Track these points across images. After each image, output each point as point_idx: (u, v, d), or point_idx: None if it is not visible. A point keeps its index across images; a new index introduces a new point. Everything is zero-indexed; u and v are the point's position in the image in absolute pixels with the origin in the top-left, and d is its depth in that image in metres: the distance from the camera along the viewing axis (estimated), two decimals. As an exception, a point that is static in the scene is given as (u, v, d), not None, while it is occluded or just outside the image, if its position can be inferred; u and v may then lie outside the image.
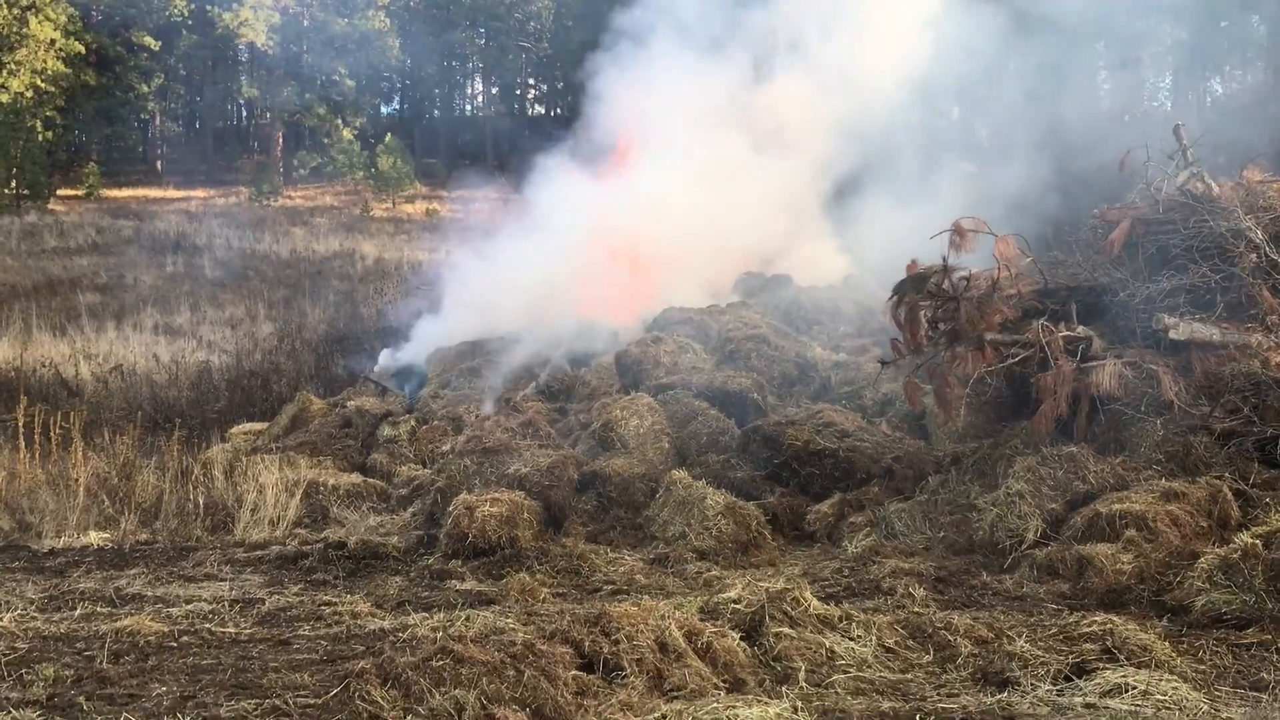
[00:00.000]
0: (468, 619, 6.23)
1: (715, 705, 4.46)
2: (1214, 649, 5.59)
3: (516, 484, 9.18)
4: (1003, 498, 8.27)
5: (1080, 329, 9.17)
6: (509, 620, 6.14)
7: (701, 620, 5.60)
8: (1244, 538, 6.29)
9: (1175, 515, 7.41)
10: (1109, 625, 5.69)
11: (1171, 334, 8.78)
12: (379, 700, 4.38)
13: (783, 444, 9.91)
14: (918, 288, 8.72)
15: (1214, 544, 6.94)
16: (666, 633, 5.22)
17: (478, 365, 14.98)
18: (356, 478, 11.24)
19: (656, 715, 4.42)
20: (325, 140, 52.37)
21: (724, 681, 5.08)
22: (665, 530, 8.79)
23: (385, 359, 18.41)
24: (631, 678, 4.91)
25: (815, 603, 5.95)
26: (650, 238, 19.68)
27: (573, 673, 4.75)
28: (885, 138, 24.07)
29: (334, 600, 7.09)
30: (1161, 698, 4.73)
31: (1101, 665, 5.20)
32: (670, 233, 19.45)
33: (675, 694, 4.82)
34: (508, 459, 9.63)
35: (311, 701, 4.74)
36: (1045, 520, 8.04)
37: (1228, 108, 29.49)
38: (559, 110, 59.49)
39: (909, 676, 5.34)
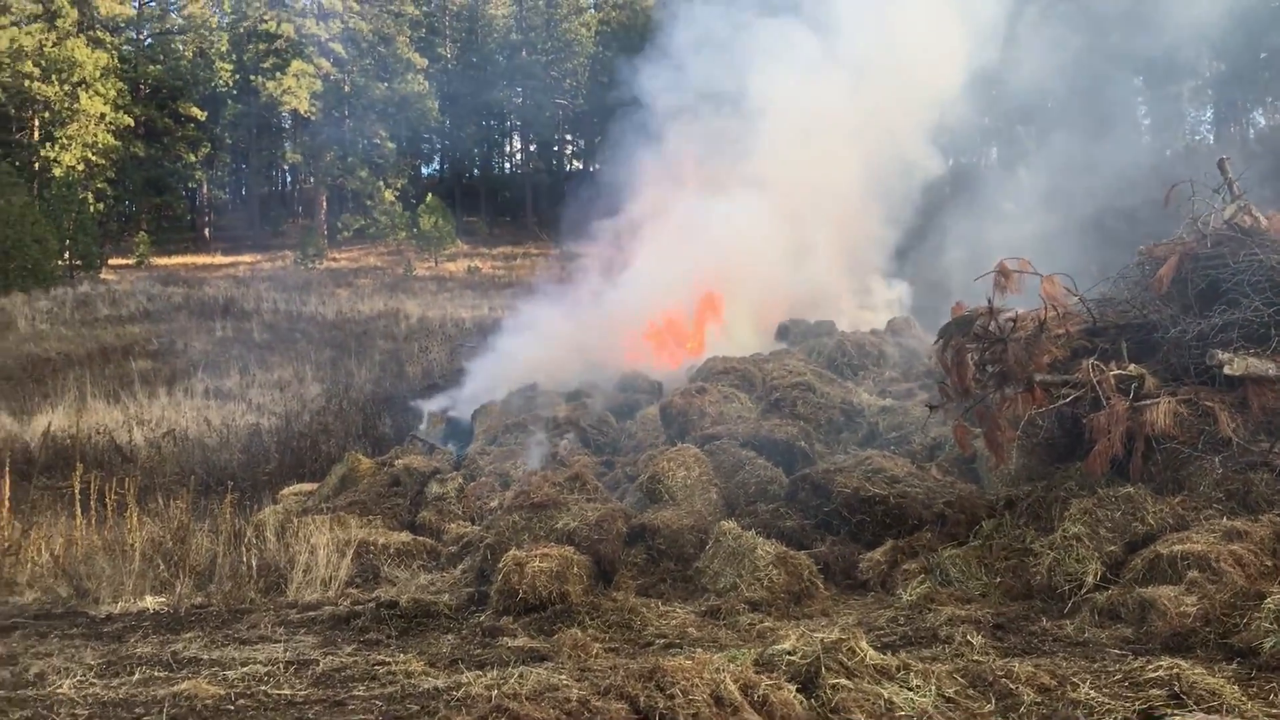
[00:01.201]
0: (521, 676, 6.18)
1: (776, 760, 4.39)
2: (1285, 691, 5.42)
3: (565, 539, 9.16)
4: (1059, 541, 8.12)
5: (1132, 367, 9.06)
6: (562, 677, 6.09)
7: (756, 673, 5.52)
8: (1313, 576, 6.12)
9: (1238, 555, 7.23)
10: (1175, 669, 5.54)
11: (1226, 369, 8.64)
12: (435, 760, 4.36)
13: (832, 491, 9.84)
14: (964, 330, 8.67)
15: (1280, 583, 6.76)
16: (722, 686, 5.15)
17: (524, 420, 15.03)
18: (406, 536, 11.28)
19: (714, 771, 4.35)
20: (368, 202, 53.30)
21: (782, 736, 5.00)
22: (716, 582, 8.71)
23: (432, 417, 18.53)
24: (685, 734, 4.84)
25: (871, 652, 5.84)
26: (697, 288, 19.80)
27: (628, 729, 4.70)
28: (928, 185, 24.13)
29: (387, 660, 7.07)
30: (1234, 744, 4.60)
31: (1170, 711, 5.07)
32: (717, 281, 19.57)
33: (733, 749, 4.75)
34: (556, 514, 9.61)
35: (369, 763, 4.72)
36: (1104, 563, 7.88)
37: (1271, 140, 29.16)
38: (596, 165, 60.07)
39: (971, 727, 5.22)
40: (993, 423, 8.87)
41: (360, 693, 6.26)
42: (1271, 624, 6.15)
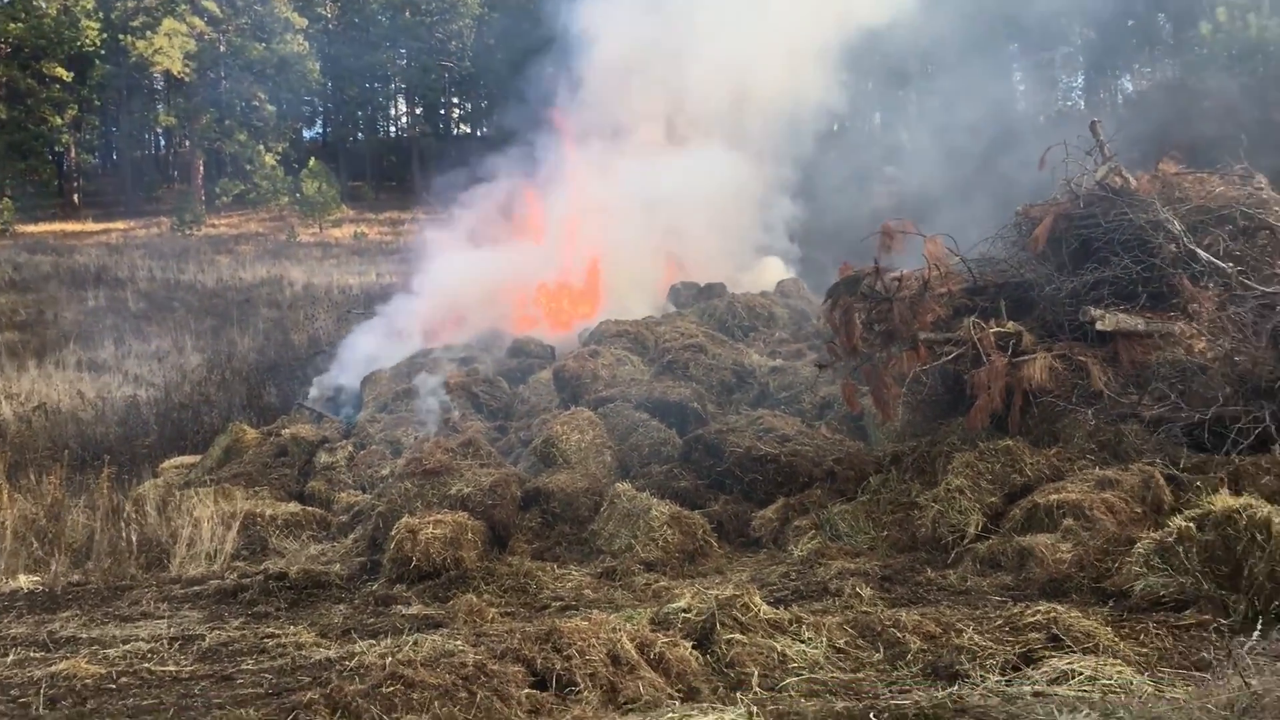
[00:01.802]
0: (416, 643, 6.13)
1: (671, 715, 4.43)
2: (1155, 632, 5.67)
3: (459, 505, 9.09)
4: (943, 494, 8.36)
5: (1010, 324, 9.33)
6: (458, 642, 6.05)
7: (653, 631, 5.57)
8: (1177, 521, 6.37)
9: (1110, 503, 7.54)
10: (1053, 614, 5.75)
11: (1098, 325, 8.96)
12: (329, 730, 4.29)
13: (724, 451, 9.95)
14: (851, 290, 8.82)
15: (1149, 529, 7.04)
16: (618, 645, 5.18)
17: (415, 387, 14.83)
18: (295, 507, 11.05)
19: (612, 729, 4.39)
20: (247, 167, 51.62)
21: (678, 691, 5.06)
22: (611, 543, 8.76)
23: (320, 385, 18.17)
24: (585, 692, 4.87)
25: (765, 607, 5.94)
26: (586, 252, 19.72)
27: (526, 691, 4.70)
28: (812, 146, 24.39)
29: (277, 632, 6.94)
30: (1107, 682, 4.79)
31: (1048, 653, 5.26)
32: (605, 245, 19.51)
33: (630, 706, 4.79)
34: (449, 480, 9.53)
35: (259, 737, 4.63)
36: (985, 514, 8.15)
37: (1139, 104, 30.26)
38: (484, 129, 59.29)
39: (861, 675, 5.35)
40: (879, 381, 9.07)
41: (249, 666, 6.13)
42: (1141, 568, 6.42)
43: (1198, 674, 4.84)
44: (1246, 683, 3.67)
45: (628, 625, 5.57)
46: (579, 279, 20.01)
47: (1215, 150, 15.72)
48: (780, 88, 22.00)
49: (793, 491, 9.51)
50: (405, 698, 4.43)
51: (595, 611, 6.54)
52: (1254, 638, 4.44)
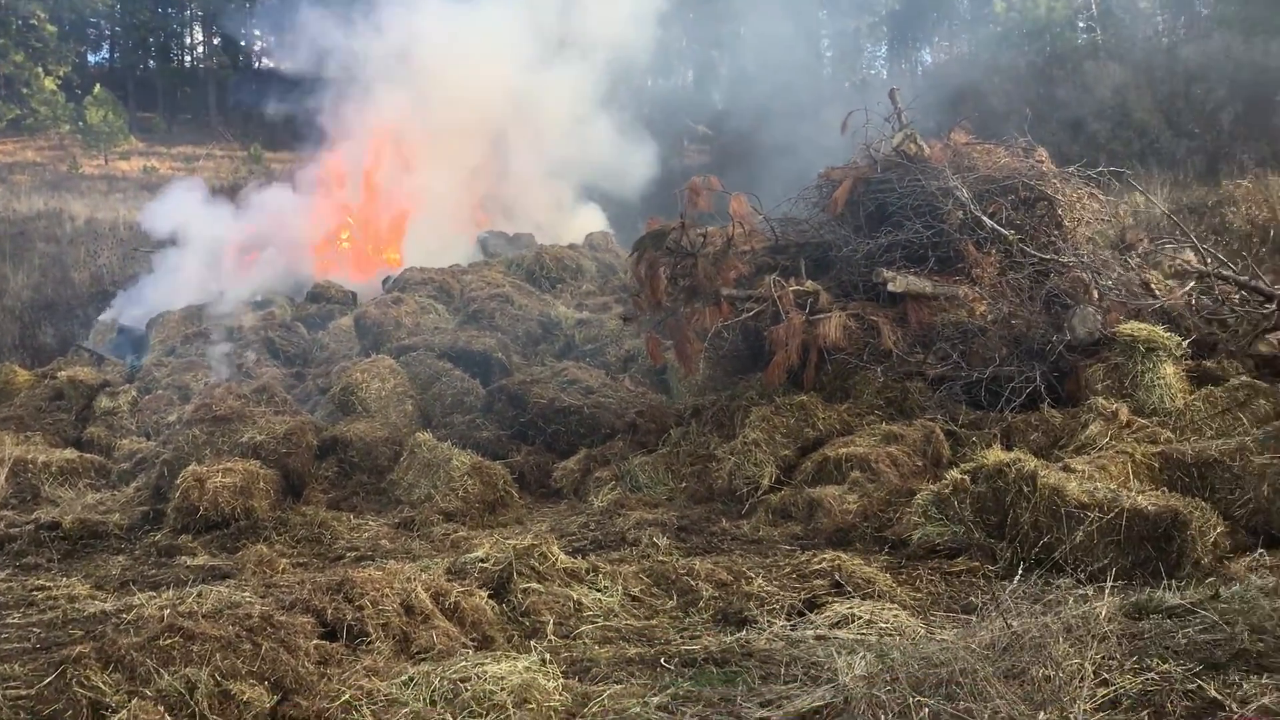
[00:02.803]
0: (200, 595, 5.87)
1: (463, 664, 4.40)
2: (929, 577, 6.00)
3: (251, 453, 8.75)
4: (740, 447, 8.57)
5: (809, 283, 9.60)
6: (245, 594, 5.84)
7: (448, 581, 5.52)
8: (953, 474, 6.74)
9: (895, 456, 7.90)
10: (837, 561, 6.00)
11: (890, 287, 9.33)
12: (100, 685, 4.05)
13: (528, 402, 9.93)
14: (657, 245, 8.88)
15: (928, 481, 7.43)
16: (412, 595, 5.11)
17: (206, 330, 14.16)
18: (71, 453, 10.39)
19: (403, 678, 4.32)
20: (24, 90, 47.78)
21: (473, 640, 5.03)
22: (411, 493, 8.63)
23: (101, 326, 17.11)
24: (377, 643, 4.78)
25: (562, 557, 5.98)
26: (391, 196, 19.20)
27: (314, 642, 4.56)
28: (624, 100, 24.39)
29: (47, 584, 6.54)
30: (884, 625, 5.04)
31: (831, 599, 5.49)
32: (411, 190, 19.04)
33: (423, 656, 4.73)
34: (241, 427, 9.15)
35: (23, 693, 4.34)
36: (779, 466, 8.40)
37: (936, 75, 31.59)
38: (288, 64, 56.63)
39: (654, 623, 5.45)
40: (682, 335, 9.19)
41: (15, 620, 5.75)
42: (920, 517, 6.77)
43: (965, 616, 5.14)
44: (1008, 624, 3.91)
45: (423, 575, 5.50)
46: (385, 223, 19.50)
47: (1003, 123, 16.60)
48: (595, 38, 21.92)
49: (595, 443, 9.58)
50: (184, 650, 4.22)
51: (391, 562, 6.44)
52: (1014, 582, 4.73)
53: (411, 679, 4.32)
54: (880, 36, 45.17)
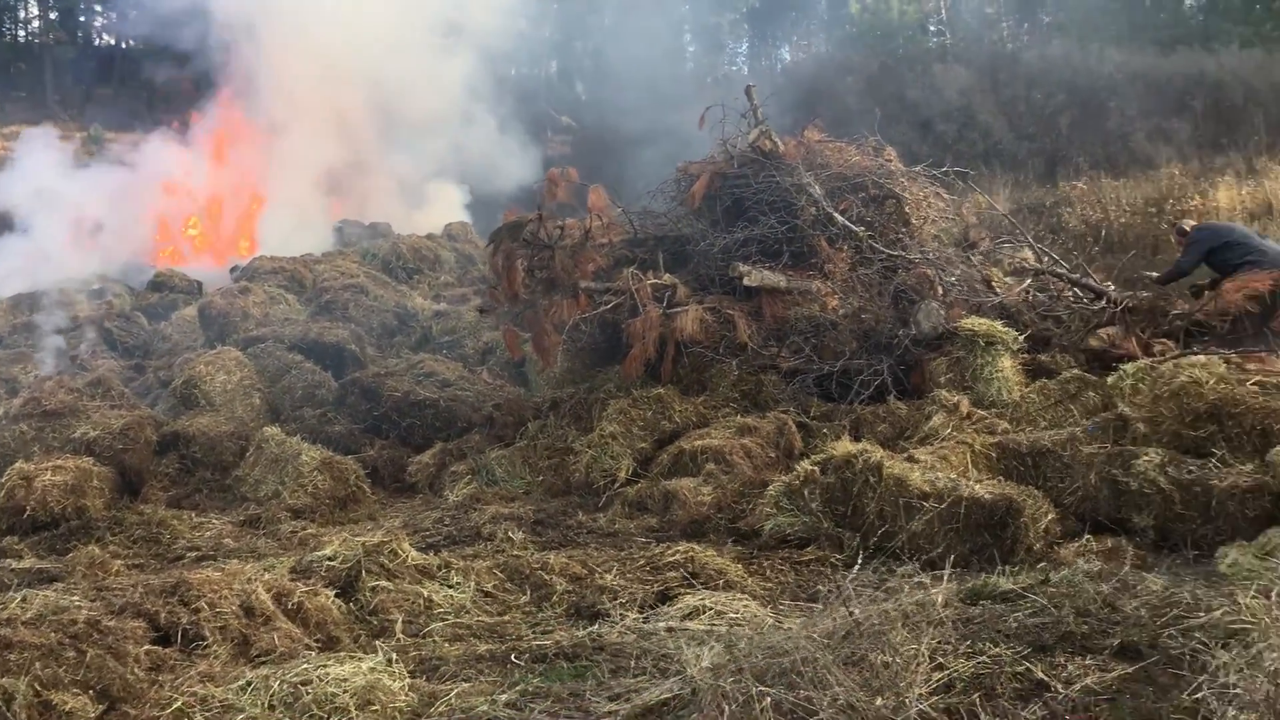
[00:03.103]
0: (24, 600, 5.56)
1: (305, 666, 4.28)
2: (779, 568, 6.11)
3: (84, 449, 8.36)
4: (597, 440, 8.57)
5: (667, 277, 9.66)
6: (74, 598, 5.54)
7: (293, 580, 5.37)
8: (804, 465, 6.88)
9: (748, 448, 8.01)
10: (690, 553, 6.05)
11: (745, 281, 9.45)
12: (-94, 702, 3.81)
13: (382, 395, 9.74)
14: (514, 236, 8.81)
15: (780, 472, 7.56)
16: (253, 596, 4.94)
17: (36, 320, 13.44)
18: (-115, 452, 9.72)
19: (241, 683, 4.17)
20: None
21: (317, 641, 4.90)
22: (257, 490, 8.37)
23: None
24: (214, 647, 4.60)
25: (414, 553, 5.88)
26: (241, 183, 18.58)
27: (145, 648, 4.37)
28: (486, 88, 24.14)
29: None
30: (734, 615, 5.10)
31: (683, 591, 5.53)
32: (264, 176, 18.46)
33: (263, 659, 4.58)
34: (73, 422, 8.73)
35: None
36: (636, 459, 8.44)
37: (794, 73, 32.21)
38: (130, 41, 54.31)
39: (506, 618, 5.41)
40: (540, 328, 9.15)
41: None
42: (772, 508, 6.88)
43: (811, 604, 5.25)
44: (850, 612, 4.00)
45: (266, 575, 5.34)
46: (235, 210, 18.86)
47: (857, 122, 17.02)
48: (456, 24, 21.62)
49: (451, 437, 9.46)
50: (1, 660, 4.00)
51: (234, 562, 6.23)
52: (854, 571, 4.85)
53: (249, 683, 4.17)
54: (741, 33, 45.80)
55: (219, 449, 8.92)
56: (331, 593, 5.34)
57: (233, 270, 15.49)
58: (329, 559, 5.78)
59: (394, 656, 4.48)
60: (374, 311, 12.71)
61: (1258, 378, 6.61)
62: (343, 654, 4.57)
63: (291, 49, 20.39)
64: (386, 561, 5.71)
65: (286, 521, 7.76)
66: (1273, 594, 3.67)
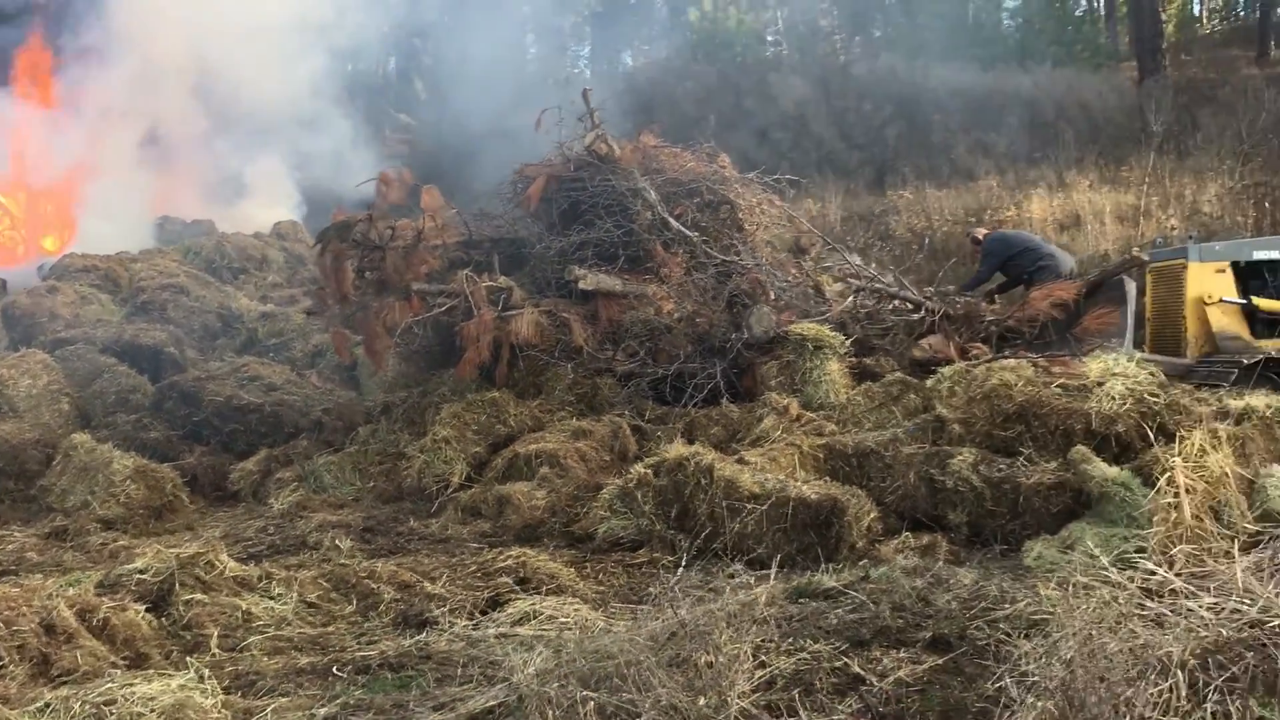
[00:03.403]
0: None
1: (110, 685, 4.05)
2: (611, 571, 6.13)
3: None
4: (430, 444, 8.43)
5: (502, 279, 9.57)
6: None
7: (99, 595, 5.09)
8: (638, 468, 6.92)
9: (583, 452, 8.01)
10: (523, 558, 6.00)
11: (581, 284, 9.44)
12: None
13: (203, 400, 9.37)
14: (343, 236, 8.59)
15: (615, 475, 7.58)
16: (55, 613, 4.66)
17: None
18: None
19: (39, 705, 3.92)
20: None
21: (124, 659, 4.66)
22: (65, 500, 7.94)
23: None
24: (10, 667, 4.33)
25: (232, 564, 5.66)
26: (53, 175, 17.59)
27: (-66, 673, 4.08)
28: (321, 84, 23.53)
29: None
30: (565, 620, 5.08)
31: (515, 596, 5.48)
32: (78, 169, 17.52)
33: (64, 679, 4.33)
34: None
35: None
36: (470, 463, 8.34)
37: (634, 78, 32.44)
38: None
39: (330, 629, 5.26)
40: (371, 330, 8.94)
41: None
42: (606, 512, 6.90)
43: (642, 606, 5.27)
44: (676, 612, 4.03)
45: (70, 591, 5.05)
46: (45, 205, 17.82)
47: (695, 128, 17.27)
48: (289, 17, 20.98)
49: (277, 443, 9.19)
50: None
51: (38, 577, 5.88)
52: (680, 572, 4.89)
53: (48, 705, 3.93)
54: (584, 36, 45.89)
55: (22, 457, 8.43)
56: (142, 608, 5.09)
57: (40, 268, 14.63)
58: (140, 572, 5.49)
59: (207, 672, 4.28)
60: (196, 313, 12.21)
61: (1061, 380, 6.96)
62: (151, 671, 4.35)
63: (112, 31, 19.47)
64: (202, 573, 5.48)
65: (96, 533, 7.39)
66: (1070, 585, 3.85)
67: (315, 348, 11.30)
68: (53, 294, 11.75)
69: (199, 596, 5.28)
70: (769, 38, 35.61)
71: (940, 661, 3.86)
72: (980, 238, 11.59)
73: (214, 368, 10.30)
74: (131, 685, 4.05)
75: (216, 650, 4.86)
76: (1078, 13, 31.51)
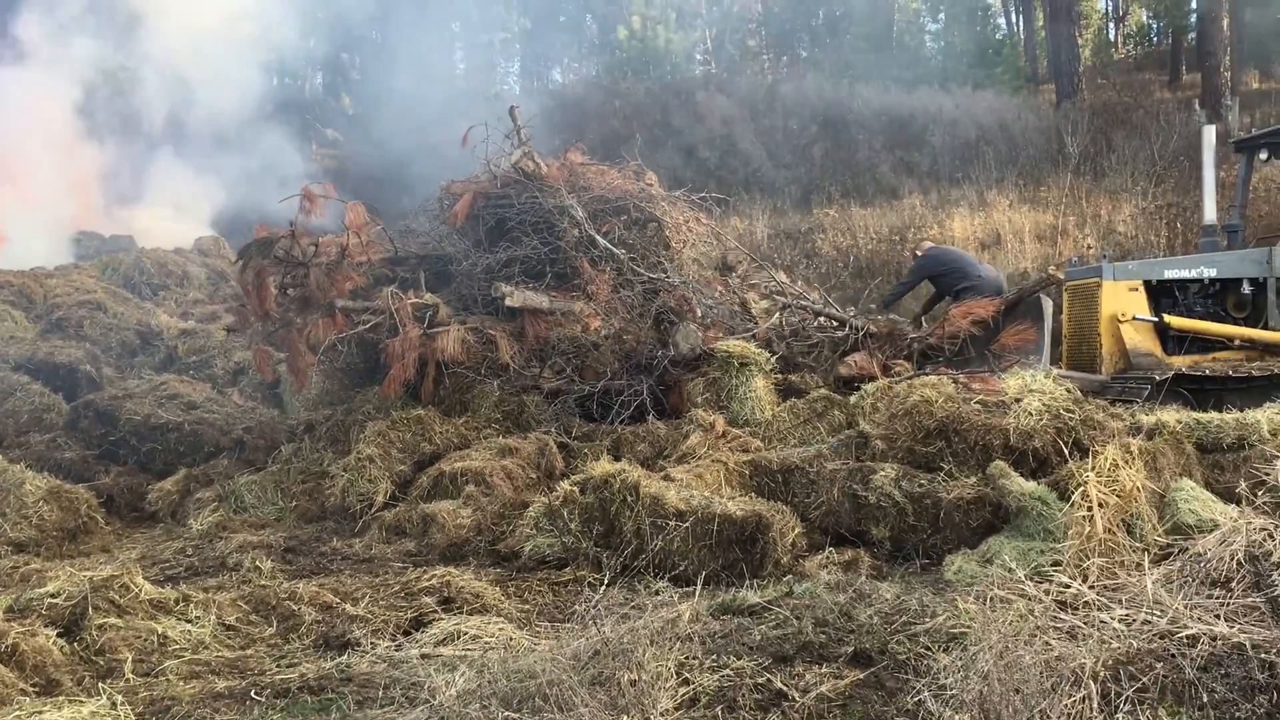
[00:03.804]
0: None
1: (19, 713, 3.94)
2: (537, 589, 6.10)
3: None
4: (354, 463, 8.34)
5: (428, 296, 9.51)
6: None
7: (8, 620, 4.93)
8: (564, 485, 6.90)
9: (509, 469, 7.98)
10: (447, 577, 5.95)
11: (507, 301, 9.42)
12: None
13: (120, 419, 9.17)
14: (264, 252, 8.47)
15: (541, 493, 7.56)
16: (-40, 639, 4.52)
17: None
18: None
19: (-59, 737, 3.80)
20: None
21: (34, 686, 4.52)
22: (-26, 523, 7.67)
23: None
24: (-88, 697, 4.18)
25: (148, 587, 5.52)
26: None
27: None
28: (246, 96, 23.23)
29: None
30: (490, 639, 5.04)
31: (439, 616, 5.43)
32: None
33: (-31, 708, 4.19)
34: None
35: None
36: (395, 482, 8.26)
37: (563, 95, 32.50)
38: None
39: (249, 653, 5.16)
40: (294, 347, 8.83)
41: None
42: (532, 530, 6.87)
43: (568, 624, 5.26)
44: (600, 630, 4.02)
45: (-24, 616, 4.89)
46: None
47: (623, 145, 17.33)
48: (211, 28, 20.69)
49: (197, 462, 9.02)
50: None
51: (-57, 603, 5.67)
52: (603, 590, 4.89)
53: (-48, 736, 3.82)
54: (513, 53, 45.89)
55: (-71, 479, 8.12)
56: (53, 633, 4.94)
57: (-49, 284, 14.20)
58: (52, 596, 5.34)
59: (120, 699, 4.20)
60: (113, 330, 11.94)
61: (981, 397, 7.10)
62: (62, 699, 4.24)
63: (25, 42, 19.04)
64: (117, 597, 5.34)
65: (6, 556, 7.20)
66: (988, 598, 3.92)
67: (237, 365, 11.11)
68: (-38, 310, 11.44)
69: (113, 621, 5.15)
70: (697, 57, 35.92)
71: (862, 676, 3.91)
72: (920, 252, 11.84)
73: (132, 386, 10.07)
74: (41, 713, 3.96)
75: (130, 676, 4.73)
76: (998, 36, 32.21)
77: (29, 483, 7.81)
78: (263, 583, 6.30)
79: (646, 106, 26.96)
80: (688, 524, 6.12)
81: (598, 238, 9.95)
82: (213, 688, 4.59)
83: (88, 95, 19.60)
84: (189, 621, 5.37)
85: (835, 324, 10.22)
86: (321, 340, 8.80)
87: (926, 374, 8.31)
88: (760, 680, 3.92)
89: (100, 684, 4.55)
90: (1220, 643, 3.39)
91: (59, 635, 4.98)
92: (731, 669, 3.98)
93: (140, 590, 5.46)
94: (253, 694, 4.46)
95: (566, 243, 9.87)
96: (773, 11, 35.75)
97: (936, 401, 7.05)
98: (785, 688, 3.86)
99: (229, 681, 4.67)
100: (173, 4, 20.74)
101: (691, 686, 3.82)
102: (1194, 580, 3.81)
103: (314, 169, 24.85)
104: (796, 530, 6.30)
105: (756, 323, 10.17)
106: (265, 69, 26.54)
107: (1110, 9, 39.10)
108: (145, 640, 5.08)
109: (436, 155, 20.52)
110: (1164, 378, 9.10)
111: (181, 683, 4.70)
